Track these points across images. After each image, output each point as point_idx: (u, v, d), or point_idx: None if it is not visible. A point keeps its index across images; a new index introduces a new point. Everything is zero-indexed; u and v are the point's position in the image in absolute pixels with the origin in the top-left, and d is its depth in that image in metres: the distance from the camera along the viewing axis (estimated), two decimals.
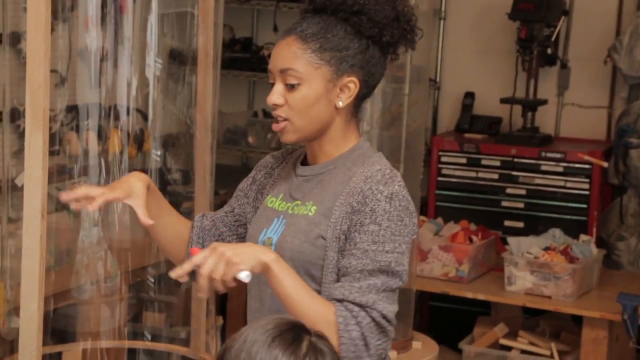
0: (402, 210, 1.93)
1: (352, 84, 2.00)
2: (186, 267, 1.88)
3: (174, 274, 1.91)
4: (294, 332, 1.65)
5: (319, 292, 1.95)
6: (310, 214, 2.01)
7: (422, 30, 2.07)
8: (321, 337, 1.67)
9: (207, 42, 3.04)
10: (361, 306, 1.88)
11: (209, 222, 2.26)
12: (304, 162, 2.10)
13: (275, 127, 2.04)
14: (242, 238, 2.18)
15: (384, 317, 1.90)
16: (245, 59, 5.11)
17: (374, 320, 1.89)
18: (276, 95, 2.01)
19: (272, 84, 2.04)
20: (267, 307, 2.03)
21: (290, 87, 2.00)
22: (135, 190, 2.11)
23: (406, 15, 2.02)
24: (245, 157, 5.30)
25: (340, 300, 1.90)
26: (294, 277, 1.90)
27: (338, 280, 1.94)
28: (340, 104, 2.00)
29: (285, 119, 2.01)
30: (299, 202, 2.04)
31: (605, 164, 4.39)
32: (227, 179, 5.01)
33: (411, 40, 2.04)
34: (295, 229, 2.01)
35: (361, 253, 1.91)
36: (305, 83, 2.00)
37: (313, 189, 2.04)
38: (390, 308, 1.91)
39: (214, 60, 3.05)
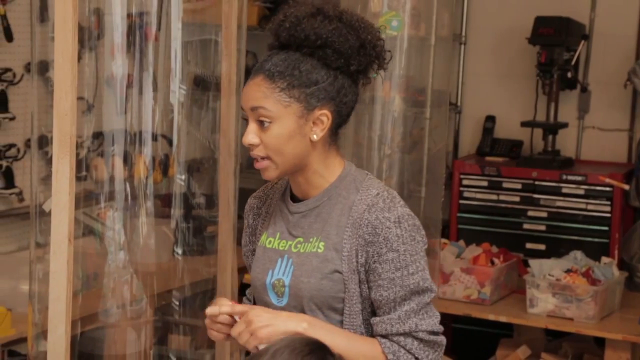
0: (412, 229, 1.96)
1: (324, 117, 1.98)
2: (222, 310, 1.96)
3: (209, 310, 1.97)
4: (318, 353, 1.67)
5: (342, 323, 1.96)
6: (319, 250, 2.00)
7: (390, 52, 2.05)
8: (319, 342, 1.69)
9: (230, 68, 3.07)
10: (406, 334, 1.92)
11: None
12: (294, 197, 2.07)
13: (256, 165, 2.02)
14: None
15: (431, 332, 1.94)
16: None
17: (422, 341, 1.93)
18: (251, 135, 1.99)
19: (247, 121, 2.03)
20: None
21: (262, 125, 1.98)
22: None
23: (371, 42, 1.99)
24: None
25: (384, 336, 1.94)
26: (332, 333, 1.91)
27: (364, 310, 1.96)
28: (315, 137, 1.98)
29: (264, 157, 1.99)
30: (301, 239, 2.03)
31: (627, 187, 4.37)
32: None
33: (380, 65, 2.03)
34: (308, 268, 2.00)
35: (388, 283, 1.93)
36: (276, 121, 1.97)
37: (313, 224, 2.03)
38: (432, 321, 1.95)
39: (237, 86, 3.08)
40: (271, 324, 1.91)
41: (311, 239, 2.02)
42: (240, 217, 4.93)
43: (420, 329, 1.92)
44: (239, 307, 1.96)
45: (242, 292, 4.34)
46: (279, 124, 1.97)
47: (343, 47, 1.97)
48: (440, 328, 1.97)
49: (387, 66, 2.05)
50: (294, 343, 1.68)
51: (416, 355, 1.92)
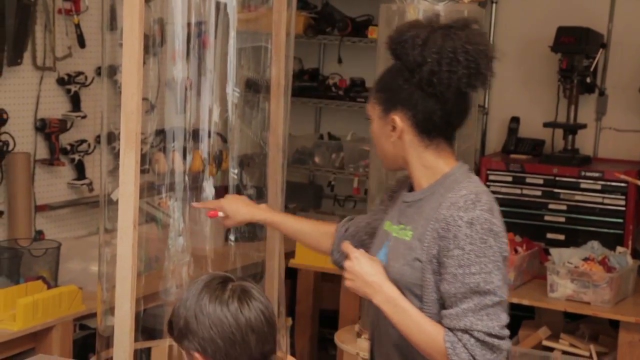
0: (485, 233, 1.85)
1: (397, 121, 1.96)
2: (345, 248, 1.99)
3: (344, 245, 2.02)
4: (219, 281, 1.72)
5: (422, 310, 1.92)
6: (407, 238, 1.97)
7: (482, 69, 1.94)
8: (247, 281, 1.74)
9: (279, 72, 3.06)
10: (463, 330, 1.84)
11: (353, 230, 2.30)
12: (411, 188, 2.06)
13: None
14: None
15: (488, 334, 1.83)
16: (312, 88, 5.13)
17: (478, 340, 1.83)
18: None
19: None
20: (381, 321, 2.02)
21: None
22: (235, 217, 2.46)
23: (442, 59, 1.90)
24: (312, 175, 5.31)
25: (447, 328, 1.87)
26: (403, 314, 1.89)
27: (440, 299, 1.90)
28: (392, 139, 1.97)
29: None
30: (403, 226, 2.01)
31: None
32: (295, 194, 5.04)
33: (469, 82, 1.93)
34: (396, 253, 1.99)
35: (451, 277, 1.86)
36: (372, 120, 2.02)
37: (414, 214, 1.99)
38: (491, 324, 1.83)
39: (285, 88, 3.08)
40: (355, 279, 1.94)
41: (407, 228, 1.99)
42: (286, 207, 4.94)
43: (476, 328, 1.83)
44: (351, 249, 1.97)
45: (287, 276, 4.36)
46: (373, 123, 2.02)
47: (408, 63, 1.92)
48: (502, 332, 1.85)
49: (474, 82, 1.94)
50: (197, 281, 1.73)
51: (471, 353, 1.83)
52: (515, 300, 3.77)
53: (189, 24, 2.96)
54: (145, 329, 2.71)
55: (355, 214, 4.73)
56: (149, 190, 3.00)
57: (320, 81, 5.18)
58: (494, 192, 4.54)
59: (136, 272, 2.35)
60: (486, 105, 4.98)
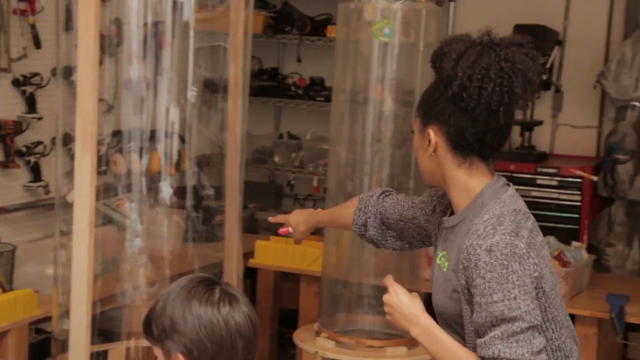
0: (505, 258, 1.79)
1: (432, 135, 1.91)
2: (386, 283, 1.97)
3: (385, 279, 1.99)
4: (204, 284, 1.68)
5: (465, 340, 1.90)
6: (444, 269, 1.95)
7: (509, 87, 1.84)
8: (230, 285, 1.72)
9: (237, 72, 3.06)
10: (493, 359, 1.79)
11: (392, 203, 2.23)
12: (451, 211, 2.00)
13: None
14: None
15: None
16: (272, 87, 5.13)
17: None
18: None
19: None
20: None
21: None
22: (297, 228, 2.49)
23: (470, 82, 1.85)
24: (272, 175, 5.30)
25: (479, 356, 1.83)
26: (438, 344, 1.87)
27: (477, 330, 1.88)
28: (427, 153, 1.93)
29: None
30: (444, 253, 1.97)
31: (595, 178, 4.36)
32: (255, 194, 5.03)
33: (497, 100, 1.85)
34: (437, 284, 1.97)
35: (478, 307, 1.82)
36: (415, 132, 1.98)
37: (451, 241, 1.95)
38: (520, 351, 1.78)
39: (243, 88, 3.07)
40: (393, 312, 1.93)
41: (446, 256, 1.96)
42: (246, 206, 4.94)
43: (504, 356, 1.77)
44: (390, 282, 1.96)
45: (246, 275, 4.36)
46: (415, 135, 1.97)
47: (443, 77, 1.88)
48: (534, 358, 1.79)
49: (505, 101, 1.85)
50: (182, 282, 1.69)
51: None
52: None
53: (145, 24, 2.94)
54: (102, 331, 2.70)
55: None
56: (106, 191, 2.98)
57: (280, 80, 5.18)
58: None
59: (92, 275, 2.34)
60: None
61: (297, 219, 2.48)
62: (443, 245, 1.98)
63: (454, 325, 1.92)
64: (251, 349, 1.69)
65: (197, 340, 1.64)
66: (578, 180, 4.32)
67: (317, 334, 3.46)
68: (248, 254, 4.04)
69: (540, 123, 4.64)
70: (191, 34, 3.03)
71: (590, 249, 4.28)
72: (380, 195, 2.26)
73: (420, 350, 3.40)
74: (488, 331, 1.80)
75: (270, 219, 2.64)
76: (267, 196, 5.11)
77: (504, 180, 1.95)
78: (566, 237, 4.13)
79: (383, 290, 3.56)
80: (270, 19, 5.02)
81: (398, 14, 3.51)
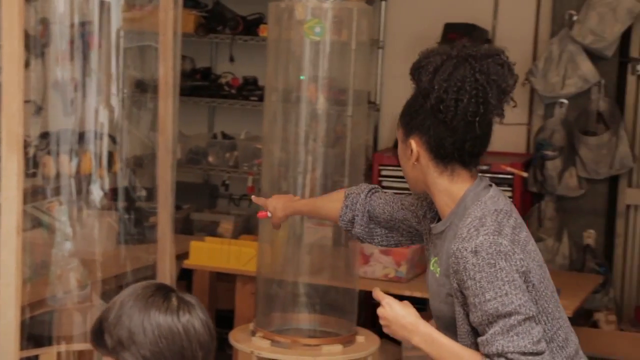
0: (492, 256, 1.86)
1: (414, 145, 1.97)
2: (377, 297, 2.01)
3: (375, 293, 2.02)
4: (161, 292, 1.62)
5: (458, 342, 1.94)
6: (437, 274, 1.99)
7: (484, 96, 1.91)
8: (184, 291, 1.66)
9: (167, 72, 3.05)
10: (498, 355, 1.85)
11: (381, 203, 2.25)
12: (438, 217, 2.05)
13: None
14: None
15: (522, 353, 1.85)
16: (205, 87, 5.11)
17: None
18: None
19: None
20: None
21: None
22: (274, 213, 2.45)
23: (439, 96, 1.92)
24: (206, 175, 5.28)
25: (484, 354, 1.88)
26: (441, 348, 1.91)
27: (473, 330, 1.92)
28: (411, 162, 1.99)
29: None
30: (436, 259, 2.02)
31: (525, 174, 4.44)
32: (189, 194, 5.00)
33: (474, 111, 1.92)
34: (432, 290, 2.02)
35: (473, 308, 1.88)
36: (398, 143, 2.03)
37: (440, 247, 2.00)
38: (522, 342, 1.84)
39: (173, 88, 3.06)
40: (390, 324, 1.96)
41: (437, 262, 2.00)
42: (180, 207, 4.91)
43: (509, 350, 1.84)
44: (381, 296, 1.99)
45: (181, 277, 4.33)
46: (398, 145, 2.03)
47: (421, 89, 1.95)
48: (537, 348, 1.85)
49: (481, 111, 1.91)
50: (136, 290, 1.62)
51: None
52: (407, 293, 3.84)
53: (73, 24, 2.91)
54: (32, 336, 2.66)
55: (253, 212, 4.71)
56: (35, 194, 2.93)
57: (213, 80, 5.16)
58: (386, 187, 4.68)
59: (21, 279, 2.30)
60: (378, 102, 5.05)
61: (275, 205, 2.47)
62: (434, 252, 2.03)
63: (452, 328, 1.96)
64: (210, 358, 1.64)
65: (157, 351, 1.58)
66: (509, 176, 4.39)
67: (253, 333, 3.45)
68: (183, 255, 4.02)
69: None
70: (120, 34, 3.00)
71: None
72: (368, 193, 2.29)
73: (355, 347, 3.43)
74: (487, 329, 1.86)
75: (253, 198, 2.64)
76: (202, 197, 5.08)
77: (486, 182, 2.01)
78: None
79: (318, 288, 3.59)
80: (202, 19, 5.00)
81: (329, 13, 3.52)
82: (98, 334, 1.62)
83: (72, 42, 2.95)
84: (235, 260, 3.94)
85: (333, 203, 2.32)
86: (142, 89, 3.32)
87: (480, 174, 2.01)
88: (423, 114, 1.94)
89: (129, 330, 1.58)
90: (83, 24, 2.98)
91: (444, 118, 1.92)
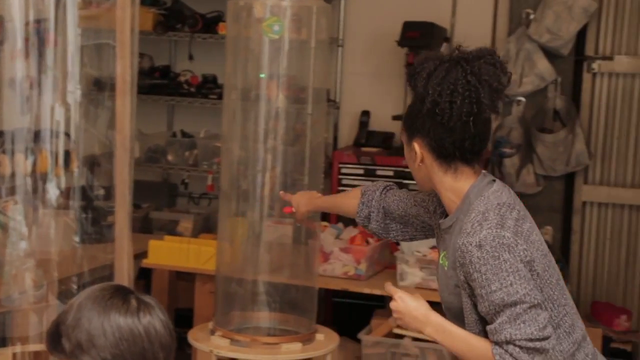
0: (496, 249, 1.95)
1: (417, 147, 2.08)
2: (390, 291, 2.11)
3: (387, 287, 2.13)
4: (119, 294, 1.61)
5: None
6: (445, 267, 2.09)
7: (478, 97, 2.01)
8: (142, 292, 1.65)
9: (124, 70, 3.02)
10: (507, 342, 1.94)
11: (395, 199, 2.37)
12: (445, 213, 2.15)
13: None
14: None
15: (530, 340, 1.94)
16: (164, 85, 5.08)
17: (522, 347, 1.94)
18: None
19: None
20: None
21: None
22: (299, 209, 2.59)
23: (432, 98, 2.01)
24: (166, 174, 5.25)
25: (493, 342, 1.97)
26: (452, 337, 2.01)
27: (481, 319, 2.02)
28: (416, 164, 2.09)
29: None
30: (444, 253, 2.11)
31: (483, 171, 4.47)
32: (148, 193, 4.97)
33: (467, 110, 2.01)
34: (442, 283, 2.11)
35: (480, 299, 1.97)
36: (404, 145, 2.15)
37: (448, 242, 2.09)
38: (529, 330, 1.94)
39: (131, 86, 3.03)
40: (403, 317, 2.05)
41: (445, 255, 2.09)
42: (140, 206, 4.87)
43: (517, 337, 1.93)
44: (393, 290, 2.09)
45: (140, 276, 4.31)
46: (404, 147, 2.14)
47: (417, 94, 2.05)
48: (543, 334, 1.95)
49: (475, 111, 2.01)
50: (94, 292, 1.61)
51: None
52: (367, 291, 3.86)
53: (28, 22, 2.88)
54: None
55: (213, 211, 4.69)
56: None
57: (172, 78, 5.13)
58: (346, 185, 4.69)
59: None
60: (337, 100, 5.06)
61: (299, 201, 2.60)
62: (443, 246, 2.13)
63: (461, 318, 2.06)
64: (170, 359, 1.63)
65: (118, 354, 1.56)
66: None
67: (212, 332, 3.45)
68: (142, 254, 4.00)
69: None
70: (76, 31, 2.98)
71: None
72: (383, 190, 2.41)
73: (314, 345, 3.44)
74: (495, 318, 1.95)
75: (281, 194, 2.76)
76: (161, 195, 5.06)
77: (489, 178, 2.11)
78: None
79: (278, 287, 3.59)
80: (161, 16, 4.97)
81: (288, 11, 3.52)
82: (55, 337, 1.60)
83: (27, 39, 2.91)
84: (194, 259, 3.93)
85: (350, 200, 2.44)
86: (100, 87, 3.29)
87: (483, 172, 2.12)
88: (422, 118, 2.05)
89: (89, 333, 1.56)
90: (39, 22, 2.95)
91: (441, 120, 2.02)
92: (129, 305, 1.58)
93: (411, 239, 2.40)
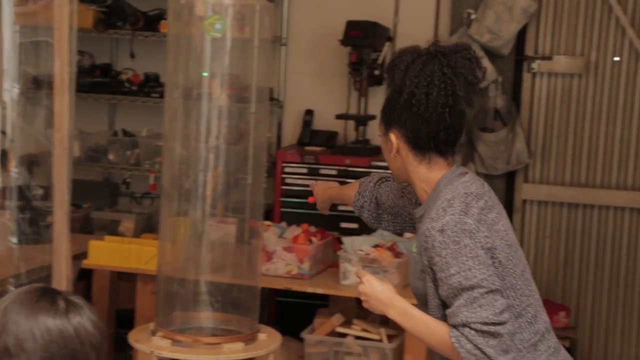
0: (457, 234, 2.02)
1: (393, 138, 2.15)
2: (359, 274, 2.20)
3: (357, 271, 2.23)
4: (47, 295, 1.58)
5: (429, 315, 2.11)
6: (414, 253, 2.18)
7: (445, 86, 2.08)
8: (69, 292, 1.62)
9: (62, 67, 2.97)
10: (463, 325, 2.00)
11: (387, 191, 2.45)
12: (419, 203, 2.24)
13: None
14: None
15: (485, 323, 1.99)
16: (105, 83, 5.01)
17: (477, 330, 1.99)
18: None
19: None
20: None
21: None
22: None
23: (408, 89, 2.08)
24: (107, 173, 5.19)
25: (451, 325, 2.04)
26: (413, 320, 2.09)
27: (442, 304, 2.08)
28: (392, 155, 2.17)
29: None
30: (415, 241, 2.20)
31: (456, 164, 4.50)
32: (89, 193, 4.91)
33: (443, 100, 2.09)
34: (411, 268, 2.21)
35: (440, 282, 2.04)
36: (381, 137, 2.22)
37: (420, 228, 2.16)
38: (484, 314, 1.99)
39: (69, 84, 2.99)
40: (369, 299, 2.14)
41: (416, 242, 2.17)
42: (80, 206, 4.80)
43: (472, 320, 1.99)
44: (362, 273, 2.18)
45: (81, 277, 4.25)
46: (381, 140, 2.21)
47: (395, 86, 2.12)
48: (499, 318, 2.00)
49: (451, 103, 2.09)
50: (20, 295, 1.57)
51: (474, 343, 2.00)
52: (310, 290, 3.86)
53: None
54: None
55: (155, 210, 4.64)
56: None
57: (113, 76, 5.07)
58: (289, 184, 4.68)
59: None
60: (281, 99, 5.05)
61: (318, 191, 2.69)
62: (417, 235, 2.20)
63: (423, 304, 2.14)
64: (102, 359, 1.60)
65: (48, 357, 1.52)
66: None
67: (153, 333, 3.41)
68: (82, 255, 3.94)
69: (373, 117, 4.75)
70: (12, 28, 2.93)
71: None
72: (378, 181, 2.49)
73: (257, 345, 3.42)
74: (453, 301, 2.02)
75: (311, 184, 2.81)
76: (102, 195, 4.99)
77: (462, 170, 2.18)
78: None
79: (220, 286, 3.57)
80: (101, 14, 4.90)
81: (230, 10, 3.51)
82: None
83: None
84: (135, 259, 3.88)
85: (351, 191, 2.54)
86: (38, 85, 3.24)
87: (456, 164, 2.19)
88: (399, 109, 2.13)
89: (17, 338, 1.52)
90: None
91: (417, 111, 2.09)
92: (57, 307, 1.55)
93: (402, 230, 2.49)
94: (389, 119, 2.17)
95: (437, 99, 2.07)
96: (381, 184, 2.48)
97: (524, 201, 4.87)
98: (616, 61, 4.76)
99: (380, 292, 2.13)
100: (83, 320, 1.56)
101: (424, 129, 2.11)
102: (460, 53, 2.11)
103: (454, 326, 2.02)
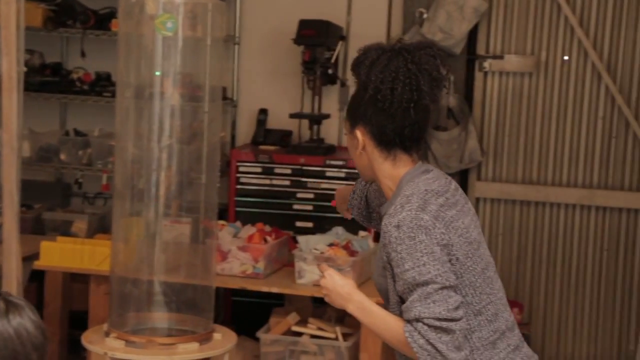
0: (412, 230, 2.04)
1: (359, 135, 2.16)
2: (322, 269, 2.20)
3: (319, 266, 2.23)
4: None
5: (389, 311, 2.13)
6: (378, 250, 2.18)
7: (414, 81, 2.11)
8: (9, 293, 1.61)
9: (10, 66, 2.94)
10: (416, 320, 2.02)
11: (375, 189, 2.44)
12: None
13: None
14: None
15: (437, 319, 2.01)
16: (55, 82, 4.95)
17: (429, 326, 2.01)
18: None
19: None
20: None
21: None
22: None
23: (374, 84, 2.10)
24: (59, 173, 5.12)
25: (405, 320, 2.06)
26: (371, 315, 2.11)
27: (401, 300, 2.09)
28: (357, 152, 2.18)
29: None
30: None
31: (421, 161, 4.52)
32: (41, 193, 4.84)
33: (406, 96, 2.10)
34: (374, 264, 2.23)
35: (397, 278, 2.06)
36: (346, 134, 2.23)
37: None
38: (438, 309, 2.01)
39: (18, 83, 2.95)
40: (329, 293, 2.15)
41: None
42: (31, 207, 4.73)
43: (425, 315, 2.01)
44: (325, 267, 2.19)
45: (32, 278, 4.19)
46: (347, 137, 2.23)
47: (361, 82, 2.14)
48: (452, 315, 2.01)
49: (415, 98, 2.10)
50: None
51: (426, 338, 2.01)
52: (265, 289, 3.85)
53: None
54: None
55: (108, 210, 4.60)
56: None
57: (64, 75, 5.00)
58: (244, 183, 4.66)
59: None
60: (235, 98, 5.03)
61: (337, 193, 2.67)
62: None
63: (385, 300, 2.17)
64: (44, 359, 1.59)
65: None
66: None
67: (107, 334, 3.38)
68: (34, 256, 3.89)
69: (327, 116, 4.76)
70: None
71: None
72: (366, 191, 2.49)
73: (212, 345, 3.40)
74: (407, 297, 2.04)
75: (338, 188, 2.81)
76: (54, 195, 4.93)
77: (426, 167, 2.20)
78: (354, 227, 4.25)
79: (174, 287, 3.54)
80: (51, 12, 4.84)
81: (181, 8, 3.48)
82: None
83: None
84: (88, 259, 3.84)
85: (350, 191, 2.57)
86: None
87: (420, 161, 2.21)
88: (364, 105, 2.14)
89: None
90: None
91: (383, 106, 2.11)
92: None
93: None
94: (355, 115, 2.18)
95: (402, 94, 2.10)
96: (371, 183, 2.49)
97: (477, 199, 4.91)
98: (565, 60, 4.82)
99: (341, 286, 2.15)
100: (24, 320, 1.55)
101: (390, 124, 2.13)
102: (425, 50, 2.14)
103: (408, 321, 2.04)
